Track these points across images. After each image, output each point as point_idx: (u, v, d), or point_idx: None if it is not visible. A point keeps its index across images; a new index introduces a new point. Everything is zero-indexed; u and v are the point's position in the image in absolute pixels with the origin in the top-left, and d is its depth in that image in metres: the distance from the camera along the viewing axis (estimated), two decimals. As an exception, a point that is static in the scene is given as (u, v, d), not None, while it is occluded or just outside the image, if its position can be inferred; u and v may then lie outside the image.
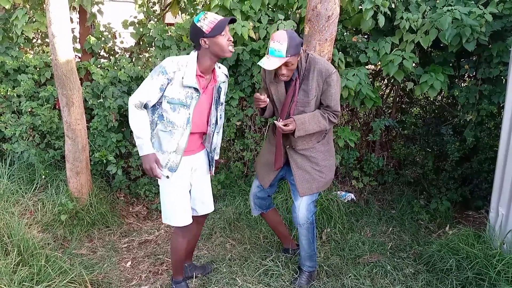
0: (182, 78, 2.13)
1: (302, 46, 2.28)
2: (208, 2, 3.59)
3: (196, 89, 2.17)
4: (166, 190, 2.30)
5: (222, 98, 2.39)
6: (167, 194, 2.30)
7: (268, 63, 2.20)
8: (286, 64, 2.23)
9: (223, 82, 2.36)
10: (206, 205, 2.50)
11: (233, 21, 2.19)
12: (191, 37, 2.16)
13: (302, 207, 2.51)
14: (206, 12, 2.14)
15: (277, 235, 2.99)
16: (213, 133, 2.37)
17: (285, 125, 2.30)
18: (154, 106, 2.20)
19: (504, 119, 2.72)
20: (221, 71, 2.35)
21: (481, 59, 3.44)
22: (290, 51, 2.18)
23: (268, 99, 2.34)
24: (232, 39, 2.17)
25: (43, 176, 3.54)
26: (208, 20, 2.09)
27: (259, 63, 2.25)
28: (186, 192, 2.35)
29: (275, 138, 2.52)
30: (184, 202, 2.33)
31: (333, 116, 2.39)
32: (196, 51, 2.18)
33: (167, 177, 2.27)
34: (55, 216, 3.20)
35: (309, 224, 2.55)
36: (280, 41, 2.18)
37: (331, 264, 2.90)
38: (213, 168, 2.49)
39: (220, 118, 2.40)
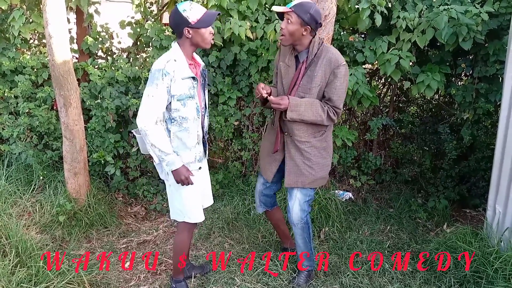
0: (180, 72, 2.15)
1: (315, 26, 2.24)
2: (205, 2, 3.59)
3: (193, 78, 2.21)
4: (185, 187, 2.30)
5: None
6: (185, 191, 2.31)
7: (278, 7, 2.25)
8: (288, 18, 2.22)
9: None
10: (209, 198, 2.56)
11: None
12: (173, 25, 2.16)
13: (296, 207, 2.51)
14: (191, 2, 2.15)
15: (277, 233, 2.99)
16: (204, 116, 2.38)
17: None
18: None
19: (500, 117, 2.73)
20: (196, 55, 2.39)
21: (478, 57, 3.45)
22: (297, 7, 2.19)
23: (266, 94, 2.29)
24: (213, 31, 2.22)
25: (41, 177, 3.54)
26: (194, 11, 2.12)
27: (273, 7, 2.29)
28: (199, 188, 2.39)
29: (273, 128, 2.51)
30: (199, 197, 2.39)
31: (333, 112, 2.32)
32: (176, 42, 2.21)
33: (200, 168, 2.36)
34: (53, 217, 3.20)
35: (303, 224, 2.54)
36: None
37: (329, 263, 2.90)
38: (206, 152, 2.50)
39: (207, 102, 2.43)
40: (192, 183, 2.25)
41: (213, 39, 2.23)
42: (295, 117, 2.28)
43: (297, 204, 2.51)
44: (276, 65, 2.49)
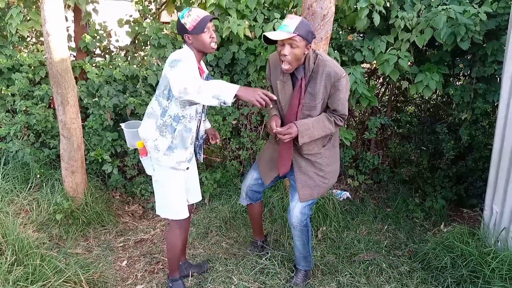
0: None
1: (312, 40, 2.16)
2: (204, 1, 3.58)
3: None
4: (169, 184, 2.32)
5: None
6: (169, 188, 2.33)
7: (274, 34, 2.10)
8: (290, 44, 2.10)
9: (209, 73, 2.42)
10: (196, 195, 2.57)
11: (214, 18, 2.24)
12: (178, 32, 2.23)
13: (296, 209, 2.47)
14: (190, 8, 2.18)
15: (252, 227, 2.96)
16: (200, 121, 2.39)
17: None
18: (164, 109, 2.20)
19: (498, 117, 2.74)
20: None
21: (476, 58, 3.46)
22: (299, 30, 2.07)
23: (274, 125, 2.25)
24: (214, 35, 2.21)
25: (38, 175, 3.53)
26: (191, 18, 2.15)
27: (265, 33, 2.13)
28: (183, 185, 2.39)
29: (279, 145, 2.42)
30: (184, 195, 2.39)
31: (340, 120, 2.31)
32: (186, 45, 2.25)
33: (187, 168, 2.36)
34: (50, 216, 3.19)
35: (303, 227, 2.51)
36: (292, 18, 2.12)
37: (326, 262, 2.91)
38: (201, 156, 2.50)
39: (205, 107, 2.42)
40: (274, 98, 2.00)
41: (215, 42, 2.24)
42: (307, 141, 2.25)
43: (298, 207, 2.46)
44: (268, 79, 2.42)
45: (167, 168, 2.29)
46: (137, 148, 2.46)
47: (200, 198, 2.62)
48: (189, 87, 1.96)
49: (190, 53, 2.22)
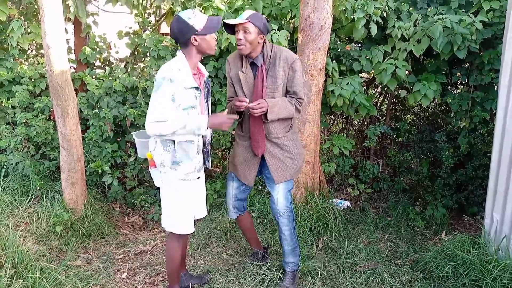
0: (183, 82, 2.15)
1: (266, 32, 2.39)
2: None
3: (196, 88, 2.21)
4: (176, 197, 2.29)
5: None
6: (176, 202, 2.30)
7: (231, 20, 2.35)
8: (244, 30, 2.32)
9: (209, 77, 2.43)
10: (201, 209, 2.53)
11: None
12: (179, 34, 2.14)
13: (280, 196, 2.58)
14: (193, 10, 2.17)
15: (247, 238, 2.99)
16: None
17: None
18: None
19: (496, 125, 2.75)
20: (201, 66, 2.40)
21: (473, 66, 3.49)
22: (251, 18, 2.32)
23: (248, 100, 2.38)
24: (216, 37, 2.28)
25: (38, 187, 3.53)
26: (200, 18, 2.15)
27: (224, 20, 2.36)
28: (192, 199, 2.36)
29: (244, 134, 2.57)
30: (191, 209, 2.36)
31: (299, 104, 2.50)
32: (181, 51, 2.21)
33: (198, 178, 2.36)
34: (50, 228, 3.18)
35: (289, 212, 2.62)
36: (248, 11, 2.37)
37: (327, 272, 2.89)
38: (210, 162, 2.49)
39: (209, 112, 2.43)
40: (235, 118, 2.29)
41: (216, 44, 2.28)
42: (274, 118, 2.41)
43: (281, 194, 2.59)
44: (228, 75, 2.57)
45: (176, 180, 2.26)
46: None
47: (205, 214, 2.56)
48: (164, 131, 2.10)
49: (184, 63, 2.17)
